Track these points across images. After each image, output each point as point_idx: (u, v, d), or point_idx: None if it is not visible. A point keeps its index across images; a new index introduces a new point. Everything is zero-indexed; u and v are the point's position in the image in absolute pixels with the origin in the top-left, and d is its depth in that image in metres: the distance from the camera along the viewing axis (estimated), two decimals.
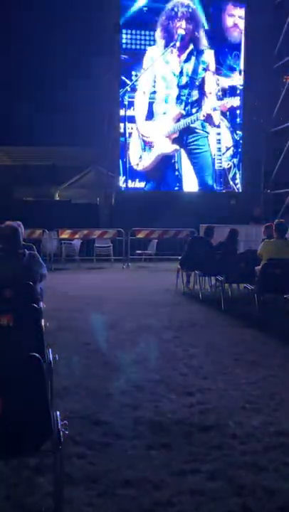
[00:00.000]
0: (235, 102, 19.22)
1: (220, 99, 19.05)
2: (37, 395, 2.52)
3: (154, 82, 18.37)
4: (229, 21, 19.19)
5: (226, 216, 15.32)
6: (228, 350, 5.75)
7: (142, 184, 18.56)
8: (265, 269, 7.21)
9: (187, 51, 18.49)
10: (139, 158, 18.36)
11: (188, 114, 18.63)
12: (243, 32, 19.27)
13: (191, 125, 18.64)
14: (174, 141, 18.54)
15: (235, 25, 19.24)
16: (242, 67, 19.29)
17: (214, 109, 18.87)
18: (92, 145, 18.82)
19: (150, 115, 18.40)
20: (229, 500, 2.82)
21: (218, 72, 18.98)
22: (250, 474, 3.07)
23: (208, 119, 18.73)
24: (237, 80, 19.32)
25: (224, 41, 19.16)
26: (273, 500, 2.83)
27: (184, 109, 18.63)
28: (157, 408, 4.06)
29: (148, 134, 18.32)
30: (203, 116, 18.63)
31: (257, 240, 11.62)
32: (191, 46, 18.52)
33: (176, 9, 18.44)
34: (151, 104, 18.37)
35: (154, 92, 18.44)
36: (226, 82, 19.12)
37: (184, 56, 18.48)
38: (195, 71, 18.63)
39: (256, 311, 7.18)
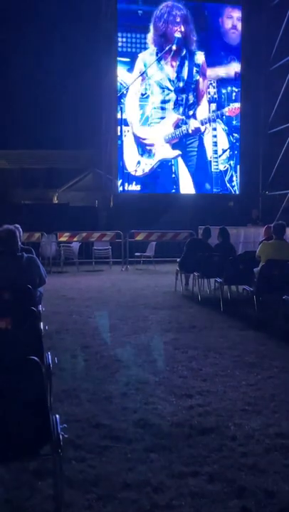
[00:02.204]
0: (237, 108, 19.26)
1: (214, 101, 19.07)
2: (36, 398, 2.52)
3: (148, 85, 18.38)
4: (228, 23, 19.20)
5: (225, 218, 15.32)
6: (228, 352, 5.74)
7: (138, 187, 18.58)
8: (263, 271, 7.22)
9: (181, 54, 18.53)
10: (137, 164, 18.36)
11: (187, 118, 18.65)
12: (240, 34, 19.28)
13: (186, 127, 18.68)
14: (175, 146, 18.57)
15: (234, 26, 19.24)
16: (239, 69, 19.30)
17: (221, 115, 18.93)
18: (90, 148, 18.83)
19: (145, 121, 18.43)
20: (229, 502, 2.82)
21: (212, 74, 19.00)
22: (251, 476, 3.07)
23: (197, 131, 18.77)
24: (232, 83, 19.33)
25: (220, 44, 19.17)
26: (273, 503, 2.82)
27: (185, 113, 18.65)
28: (157, 411, 4.06)
29: (146, 136, 18.32)
30: (192, 130, 18.68)
31: (255, 242, 11.65)
32: (185, 50, 18.57)
33: (171, 12, 18.47)
34: (142, 107, 18.39)
35: (148, 97, 18.46)
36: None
37: (178, 60, 18.51)
38: (190, 74, 18.68)
39: (255, 313, 7.18)
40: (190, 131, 18.68)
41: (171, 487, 2.96)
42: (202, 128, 18.78)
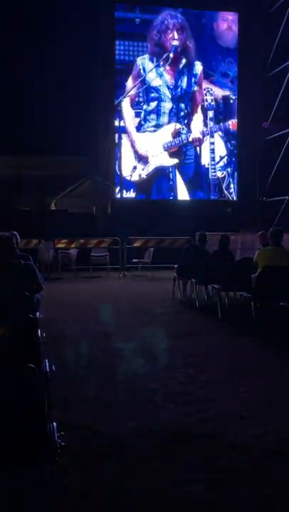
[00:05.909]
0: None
1: (211, 108, 19.13)
2: (33, 406, 2.50)
3: (144, 92, 18.44)
4: (223, 25, 19.27)
5: (222, 224, 15.35)
6: (226, 359, 5.74)
7: (134, 194, 18.59)
8: (261, 277, 7.22)
9: (181, 64, 18.62)
10: (133, 169, 18.39)
11: (185, 127, 18.71)
12: (236, 38, 19.35)
13: (186, 136, 18.75)
14: (173, 154, 18.61)
15: (229, 28, 19.30)
16: (236, 74, 19.37)
17: (224, 127, 19.01)
18: (88, 154, 18.83)
19: (140, 127, 18.48)
20: (229, 509, 2.80)
21: (210, 80, 19.08)
22: (250, 483, 3.05)
23: (197, 141, 18.84)
24: (230, 88, 19.40)
25: (217, 48, 19.23)
26: (273, 509, 2.81)
27: (180, 123, 18.70)
28: (155, 418, 4.04)
29: (143, 147, 18.38)
30: (192, 139, 18.76)
31: (253, 248, 11.66)
32: (184, 60, 18.64)
33: (167, 21, 18.55)
34: (138, 114, 18.43)
35: (145, 103, 18.50)
36: (219, 91, 19.21)
37: (177, 69, 18.60)
38: (189, 84, 18.76)
39: (253, 319, 7.18)
40: (190, 141, 18.72)
41: (170, 494, 2.94)
42: (202, 139, 18.85)
